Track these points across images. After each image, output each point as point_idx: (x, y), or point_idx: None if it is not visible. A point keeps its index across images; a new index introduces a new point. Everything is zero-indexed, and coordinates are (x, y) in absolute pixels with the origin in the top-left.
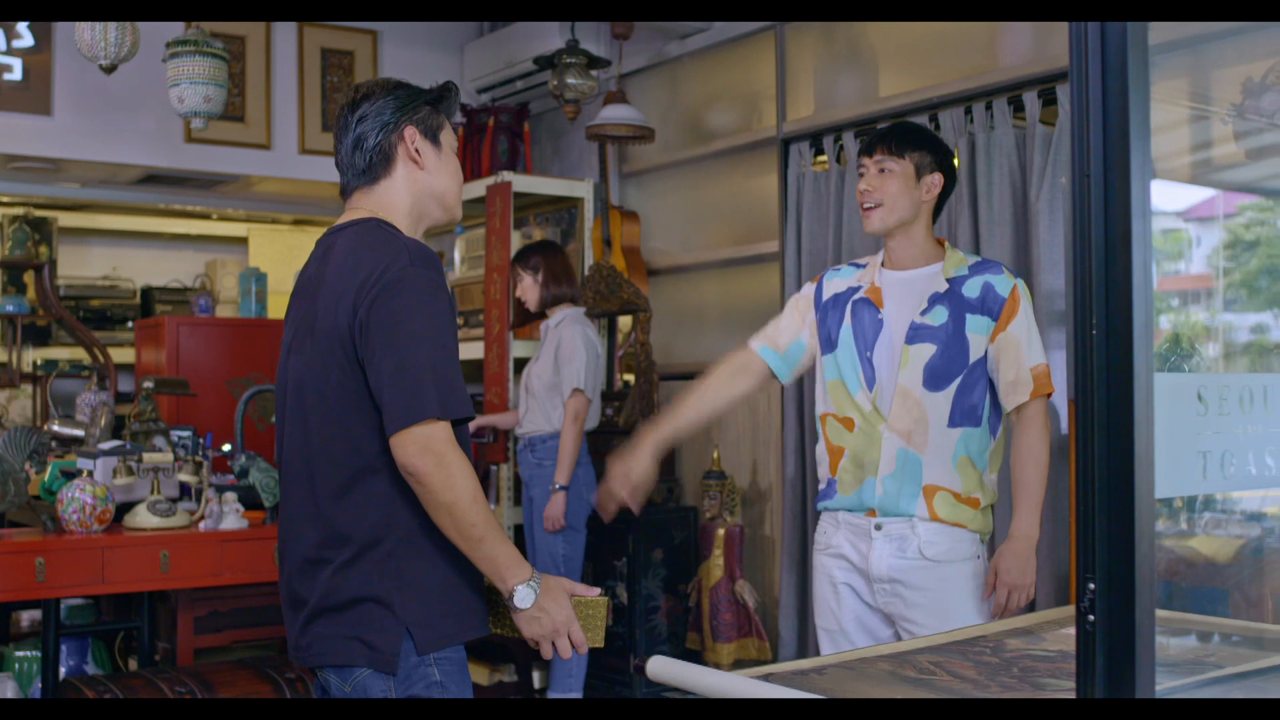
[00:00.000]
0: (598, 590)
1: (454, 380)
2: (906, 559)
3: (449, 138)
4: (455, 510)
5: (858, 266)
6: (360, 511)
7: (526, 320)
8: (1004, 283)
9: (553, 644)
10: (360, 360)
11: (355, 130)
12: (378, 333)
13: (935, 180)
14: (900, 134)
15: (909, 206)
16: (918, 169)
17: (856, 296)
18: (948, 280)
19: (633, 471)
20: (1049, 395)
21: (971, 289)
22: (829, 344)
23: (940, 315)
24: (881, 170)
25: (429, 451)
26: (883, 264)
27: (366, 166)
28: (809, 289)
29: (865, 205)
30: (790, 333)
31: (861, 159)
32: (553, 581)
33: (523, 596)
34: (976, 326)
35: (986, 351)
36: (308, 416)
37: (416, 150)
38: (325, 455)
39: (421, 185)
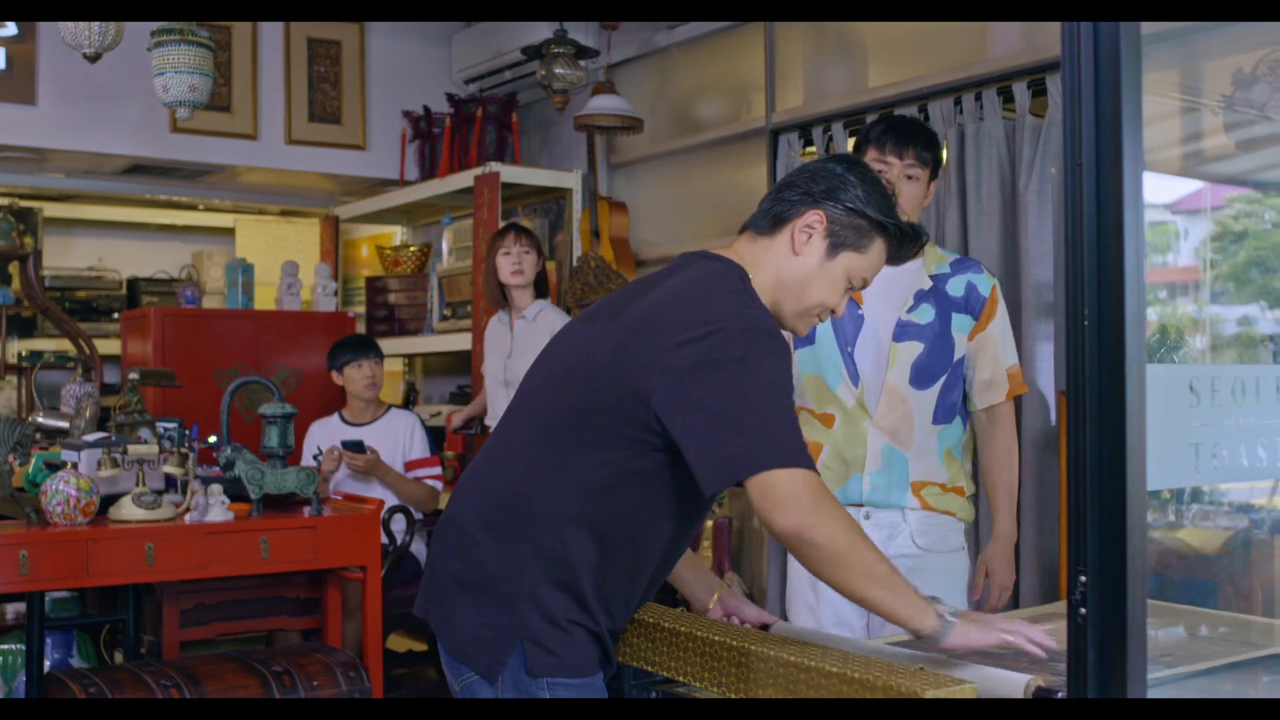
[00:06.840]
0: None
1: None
2: (896, 547)
3: (851, 263)
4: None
5: None
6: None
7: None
8: (985, 282)
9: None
10: (637, 394)
11: (794, 174)
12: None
13: (936, 184)
14: (925, 138)
15: (918, 212)
16: (930, 174)
17: None
18: (931, 277)
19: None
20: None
21: (955, 288)
22: (805, 338)
23: (927, 314)
24: (909, 176)
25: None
26: None
27: (771, 212)
28: None
29: None
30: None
31: (887, 156)
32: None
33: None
34: (961, 325)
35: (966, 349)
36: (541, 402)
37: (805, 235)
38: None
39: (785, 269)
